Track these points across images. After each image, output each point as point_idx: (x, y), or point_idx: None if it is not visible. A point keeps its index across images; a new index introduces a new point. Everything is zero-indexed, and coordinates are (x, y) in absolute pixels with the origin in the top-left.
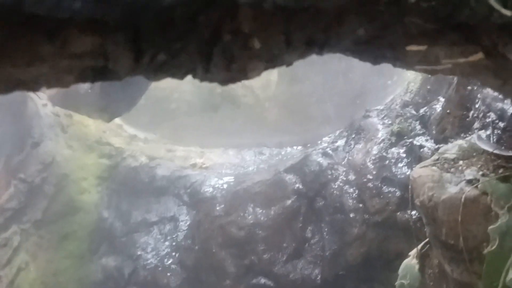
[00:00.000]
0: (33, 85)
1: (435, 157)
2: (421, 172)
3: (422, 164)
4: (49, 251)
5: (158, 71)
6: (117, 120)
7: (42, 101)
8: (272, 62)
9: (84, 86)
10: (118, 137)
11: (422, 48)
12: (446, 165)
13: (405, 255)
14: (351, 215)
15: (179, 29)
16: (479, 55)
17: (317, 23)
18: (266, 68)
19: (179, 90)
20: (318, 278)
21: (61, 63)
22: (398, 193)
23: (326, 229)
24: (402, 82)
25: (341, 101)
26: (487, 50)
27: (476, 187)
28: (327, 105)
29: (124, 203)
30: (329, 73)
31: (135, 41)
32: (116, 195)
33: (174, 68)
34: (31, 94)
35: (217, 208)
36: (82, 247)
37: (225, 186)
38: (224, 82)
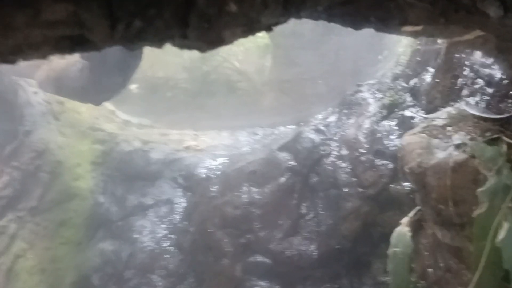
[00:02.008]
0: (10, 57)
1: (424, 124)
2: (410, 139)
3: (411, 132)
4: (46, 238)
5: (135, 38)
6: (110, 106)
7: (32, 89)
8: (249, 26)
9: (73, 70)
10: (112, 123)
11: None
12: (434, 132)
13: None
14: (345, 189)
15: None
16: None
17: None
18: (243, 32)
19: (174, 78)
20: (314, 253)
21: (35, 33)
22: (391, 166)
23: (321, 205)
24: (393, 56)
25: (334, 79)
26: (466, 9)
27: (464, 151)
28: (321, 85)
29: (119, 187)
30: (322, 53)
31: (109, 8)
32: (111, 180)
33: (151, 35)
34: (21, 82)
35: (212, 189)
36: (79, 233)
37: (219, 167)
38: (202, 48)
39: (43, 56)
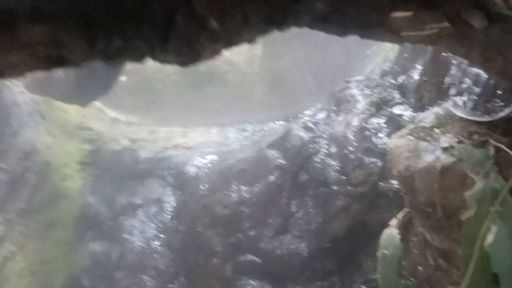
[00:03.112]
0: None
1: (412, 126)
2: (397, 142)
3: (398, 134)
4: (36, 240)
5: (115, 55)
6: (98, 104)
7: (19, 89)
8: (230, 41)
9: (58, 72)
10: (99, 121)
11: (408, 14)
12: (422, 134)
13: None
14: (335, 187)
15: (130, 15)
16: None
17: (273, 1)
18: (225, 47)
19: (164, 70)
20: (304, 252)
21: (13, 54)
22: (380, 164)
23: (310, 203)
24: (381, 51)
25: (322, 72)
26: (450, 18)
27: (452, 154)
28: (309, 77)
29: (108, 187)
30: (311, 46)
31: (87, 28)
32: (99, 180)
33: (131, 52)
34: (7, 83)
35: (202, 187)
36: (68, 234)
37: (208, 165)
38: (183, 64)
39: (22, 74)
